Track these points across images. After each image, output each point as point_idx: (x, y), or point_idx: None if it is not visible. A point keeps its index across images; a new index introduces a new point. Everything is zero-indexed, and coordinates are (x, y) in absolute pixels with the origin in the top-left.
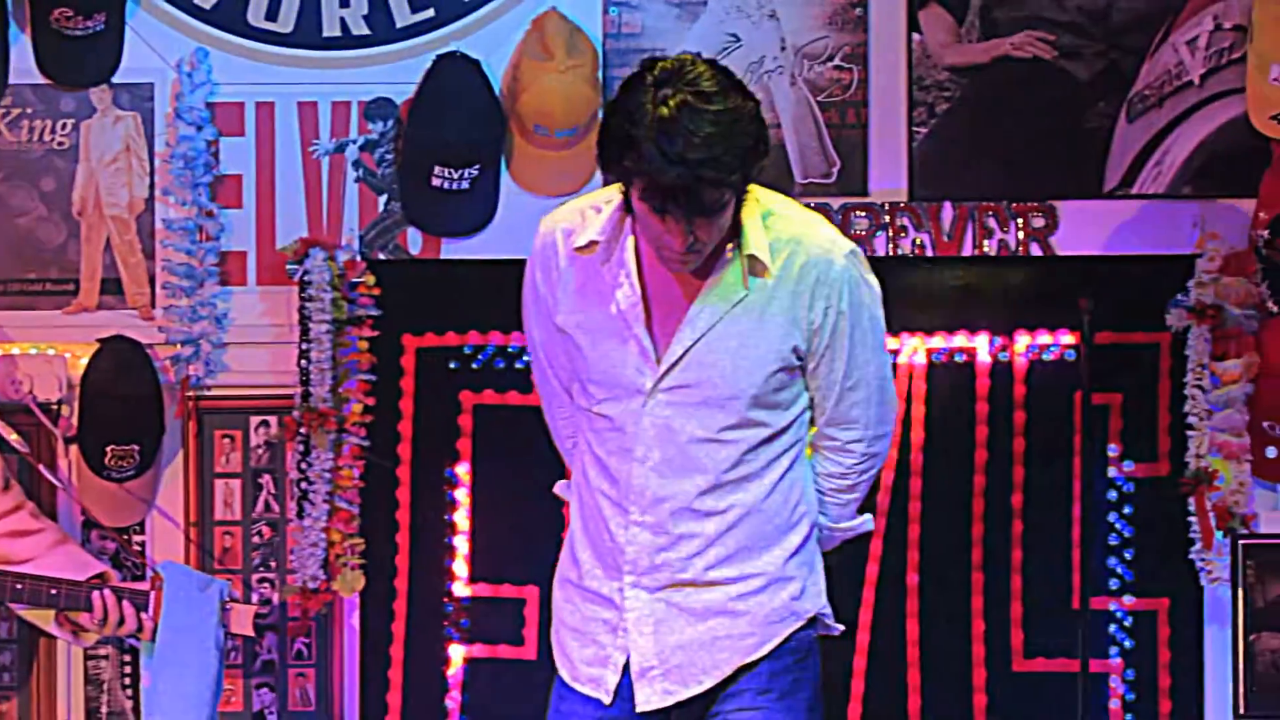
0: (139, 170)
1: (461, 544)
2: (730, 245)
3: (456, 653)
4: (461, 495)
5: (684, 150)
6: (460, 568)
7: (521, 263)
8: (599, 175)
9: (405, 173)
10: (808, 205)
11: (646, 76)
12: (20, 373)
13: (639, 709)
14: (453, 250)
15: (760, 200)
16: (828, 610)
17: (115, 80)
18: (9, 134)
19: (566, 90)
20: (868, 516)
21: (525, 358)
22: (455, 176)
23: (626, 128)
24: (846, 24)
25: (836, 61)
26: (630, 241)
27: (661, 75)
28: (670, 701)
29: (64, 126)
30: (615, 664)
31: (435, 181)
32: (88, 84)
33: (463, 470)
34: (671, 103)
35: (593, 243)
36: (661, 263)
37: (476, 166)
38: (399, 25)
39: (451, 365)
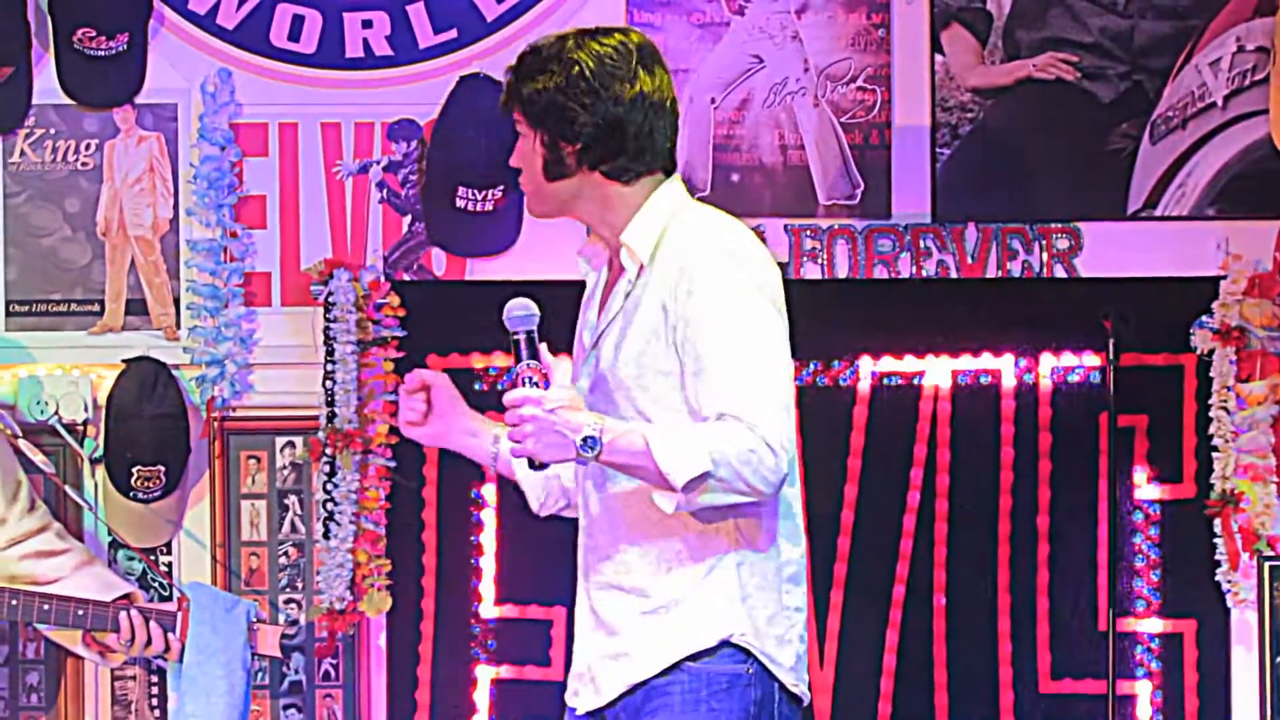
0: (163, 191)
1: (488, 565)
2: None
3: (483, 674)
4: (488, 516)
5: (524, 53)
6: (487, 589)
7: (546, 283)
8: None
9: (429, 194)
10: (831, 227)
11: None
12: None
13: (578, 707)
14: (477, 271)
15: (673, 211)
16: (763, 647)
17: (139, 101)
18: (33, 154)
19: None
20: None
21: None
22: (479, 197)
23: None
24: (869, 45)
25: (860, 83)
26: (599, 250)
27: None
28: (584, 708)
29: (88, 147)
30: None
31: (459, 202)
32: (111, 104)
33: (489, 491)
34: None
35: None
36: None
37: (500, 187)
38: (422, 46)
39: (477, 386)
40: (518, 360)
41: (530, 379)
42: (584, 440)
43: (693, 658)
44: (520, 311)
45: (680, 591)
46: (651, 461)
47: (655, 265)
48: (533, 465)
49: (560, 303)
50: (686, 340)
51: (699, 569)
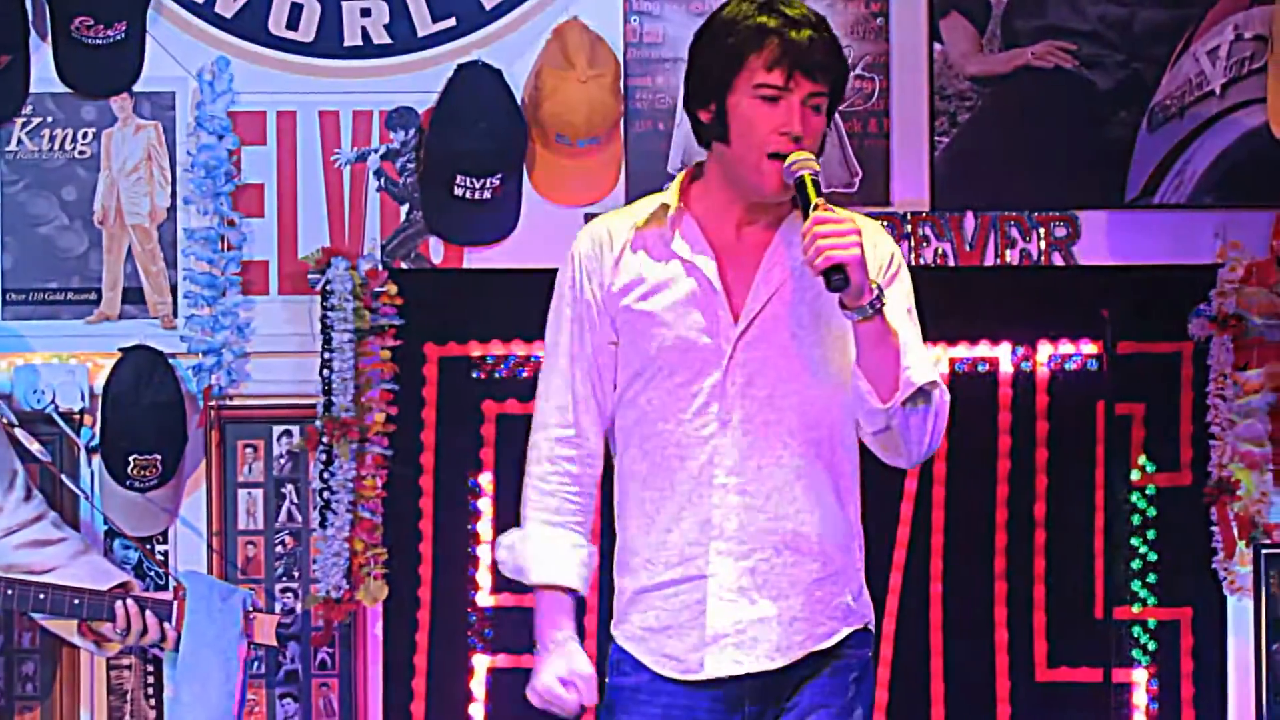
0: (160, 179)
1: (485, 554)
2: (784, 212)
3: (480, 663)
4: (484, 505)
5: (804, 12)
6: (484, 577)
7: (544, 271)
8: (621, 184)
9: (427, 182)
10: None
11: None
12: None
13: (706, 675)
14: (475, 259)
15: None
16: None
17: (136, 89)
18: (30, 143)
19: (588, 99)
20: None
21: None
22: (477, 186)
23: (730, 29)
24: (868, 33)
25: (858, 71)
26: (689, 217)
27: None
28: (737, 671)
29: (85, 135)
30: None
31: (457, 191)
32: (109, 93)
33: (485, 480)
34: None
35: (664, 205)
36: (757, 177)
37: (498, 176)
38: (420, 34)
39: (474, 374)
40: (806, 198)
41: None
42: (879, 286)
43: (865, 629)
44: (799, 158)
45: (845, 560)
46: (897, 349)
47: None
48: (835, 281)
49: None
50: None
51: (852, 538)
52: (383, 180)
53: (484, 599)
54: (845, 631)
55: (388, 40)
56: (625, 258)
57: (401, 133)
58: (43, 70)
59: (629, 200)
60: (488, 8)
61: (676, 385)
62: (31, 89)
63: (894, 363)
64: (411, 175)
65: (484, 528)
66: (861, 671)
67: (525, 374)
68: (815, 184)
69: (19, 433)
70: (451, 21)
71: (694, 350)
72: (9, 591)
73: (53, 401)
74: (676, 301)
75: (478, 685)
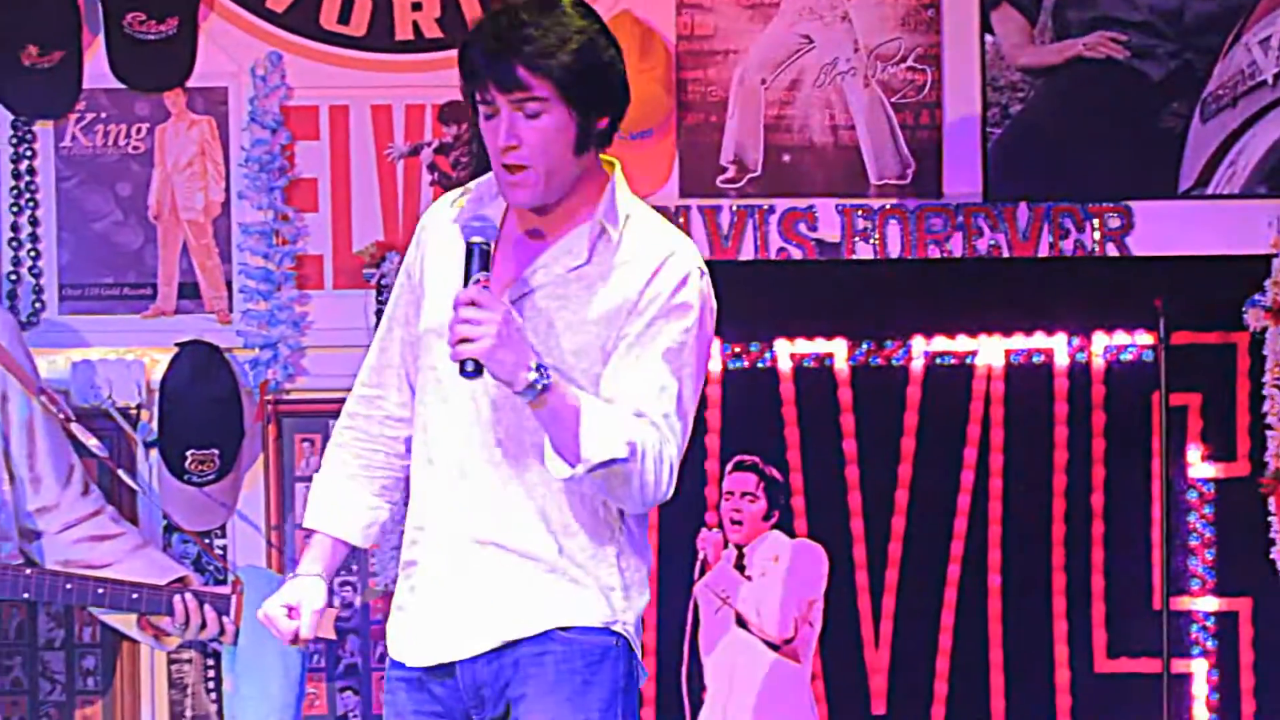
0: (214, 174)
1: None
2: (584, 219)
3: None
4: None
5: (504, 28)
6: None
7: None
8: (675, 177)
9: (480, 175)
10: (883, 207)
11: None
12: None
13: (412, 660)
14: None
15: (632, 199)
16: (631, 632)
17: (189, 84)
18: (84, 139)
19: (639, 92)
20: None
21: None
22: None
23: (467, 38)
24: (919, 25)
25: (910, 63)
26: (499, 206)
27: None
28: (427, 661)
29: (139, 131)
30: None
31: None
32: (162, 88)
33: None
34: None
35: (466, 190)
36: (502, 190)
37: None
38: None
39: None
40: (470, 269)
41: (488, 289)
42: (539, 368)
43: (568, 629)
44: (479, 222)
45: (573, 561)
46: (575, 426)
47: (621, 249)
48: (468, 371)
49: None
50: (649, 333)
51: (595, 543)
52: (436, 174)
53: None
54: (564, 623)
55: (439, 34)
56: (438, 233)
57: (454, 126)
58: (96, 66)
59: (682, 194)
60: None
61: (427, 368)
62: (85, 85)
63: (571, 438)
64: (465, 169)
65: None
66: (601, 656)
67: None
68: (484, 254)
69: (76, 428)
70: None
71: (441, 335)
72: (68, 586)
73: (110, 397)
74: (441, 285)
75: None
